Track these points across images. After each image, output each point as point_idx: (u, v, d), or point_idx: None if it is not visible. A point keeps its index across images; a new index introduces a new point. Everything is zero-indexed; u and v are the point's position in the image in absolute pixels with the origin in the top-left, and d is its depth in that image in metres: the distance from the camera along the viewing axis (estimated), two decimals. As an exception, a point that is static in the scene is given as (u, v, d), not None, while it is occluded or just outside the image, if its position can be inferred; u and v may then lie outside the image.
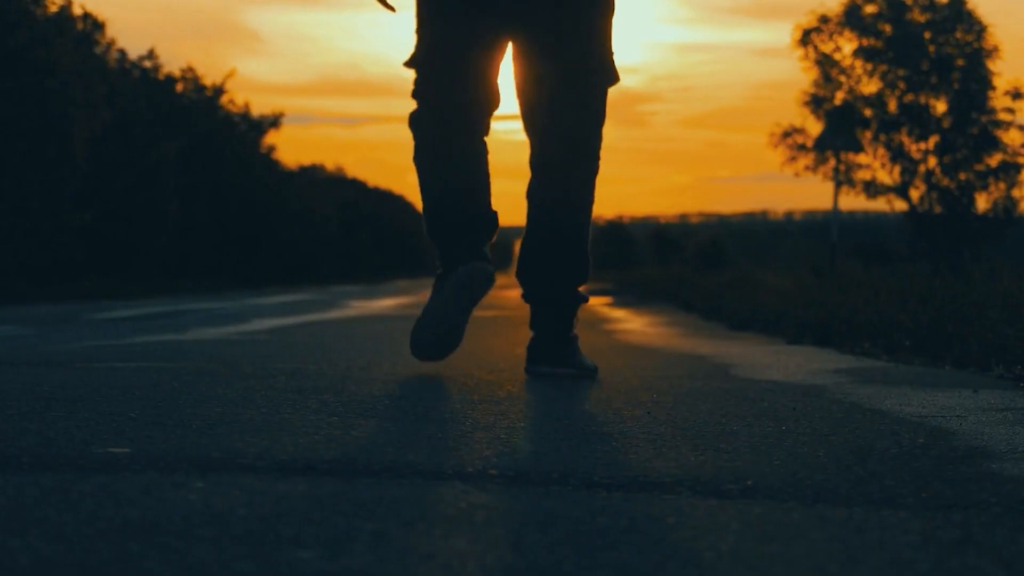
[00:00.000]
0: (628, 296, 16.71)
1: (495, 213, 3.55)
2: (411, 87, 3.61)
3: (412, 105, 3.61)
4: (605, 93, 3.49)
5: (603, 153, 3.58)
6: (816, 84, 25.37)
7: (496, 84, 3.52)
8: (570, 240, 3.51)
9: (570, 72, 3.44)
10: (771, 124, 45.76)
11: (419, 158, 3.55)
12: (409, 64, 3.54)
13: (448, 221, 3.50)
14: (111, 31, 40.65)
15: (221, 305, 11.47)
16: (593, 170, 3.52)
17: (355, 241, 39.83)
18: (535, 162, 3.53)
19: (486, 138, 3.57)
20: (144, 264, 20.52)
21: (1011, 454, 2.16)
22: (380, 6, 3.51)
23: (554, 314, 3.51)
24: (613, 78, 3.49)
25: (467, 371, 3.67)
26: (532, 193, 3.53)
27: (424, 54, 3.49)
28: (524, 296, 3.59)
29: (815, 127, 24.99)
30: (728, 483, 1.81)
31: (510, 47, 3.52)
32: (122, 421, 2.30)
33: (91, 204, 17.60)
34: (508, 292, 14.15)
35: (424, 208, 3.57)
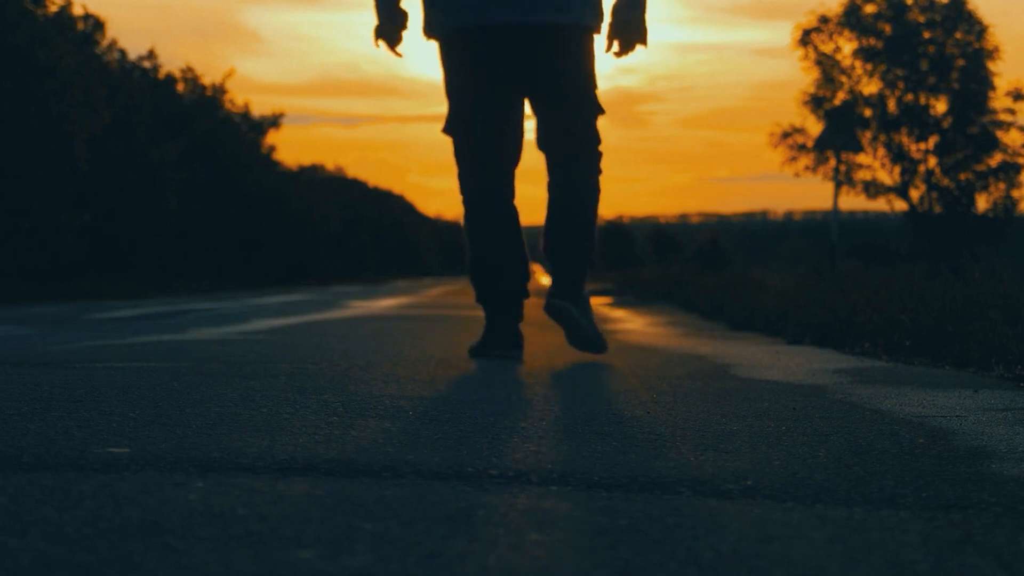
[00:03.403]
0: (628, 296, 16.70)
1: (527, 289, 4.34)
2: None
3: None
4: (595, 126, 4.28)
5: (603, 153, 4.35)
6: (816, 84, 25.38)
7: (519, 139, 4.29)
8: (582, 231, 4.28)
9: (571, 121, 4.23)
10: (771, 124, 45.76)
11: (468, 229, 4.30)
12: (446, 131, 4.27)
13: (492, 297, 4.29)
14: (111, 31, 40.66)
15: (221, 305, 11.46)
16: (596, 173, 4.31)
17: (355, 241, 39.81)
18: (552, 191, 4.28)
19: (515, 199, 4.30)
20: (144, 264, 20.50)
21: (1011, 454, 2.16)
22: (390, 52, 4.21)
23: (570, 270, 4.28)
24: (600, 111, 4.28)
25: (467, 371, 3.68)
26: (551, 220, 4.27)
27: (458, 121, 4.24)
28: (549, 261, 4.32)
29: (815, 127, 25.01)
30: (728, 483, 1.81)
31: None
32: (122, 421, 2.30)
33: (91, 204, 17.59)
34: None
35: (472, 278, 4.33)
